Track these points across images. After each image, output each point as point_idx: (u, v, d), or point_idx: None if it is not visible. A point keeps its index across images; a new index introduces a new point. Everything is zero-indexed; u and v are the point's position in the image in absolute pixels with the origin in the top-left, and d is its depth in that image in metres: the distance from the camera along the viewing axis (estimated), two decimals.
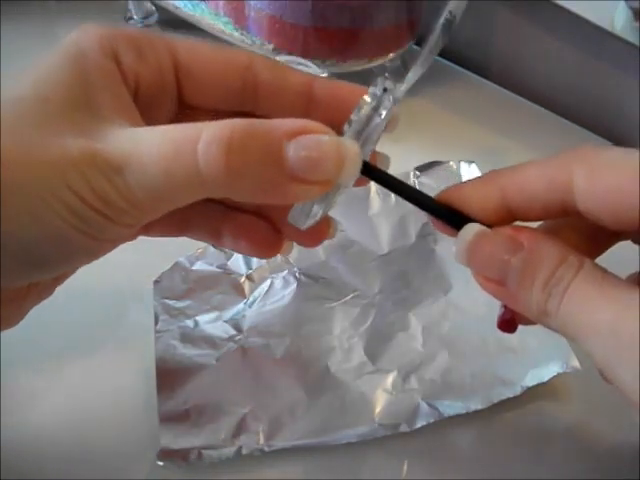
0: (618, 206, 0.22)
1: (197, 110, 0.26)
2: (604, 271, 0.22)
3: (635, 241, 0.25)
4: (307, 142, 0.20)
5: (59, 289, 0.27)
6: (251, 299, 0.36)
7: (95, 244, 0.22)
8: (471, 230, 0.23)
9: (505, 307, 0.26)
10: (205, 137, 0.20)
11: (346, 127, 0.23)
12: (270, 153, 0.20)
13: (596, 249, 0.26)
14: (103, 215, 0.21)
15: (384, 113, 0.23)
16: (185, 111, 0.26)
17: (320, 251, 0.38)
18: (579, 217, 0.24)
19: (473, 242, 0.23)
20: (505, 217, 0.24)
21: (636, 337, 0.20)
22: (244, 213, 0.28)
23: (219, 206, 0.28)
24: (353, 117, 0.23)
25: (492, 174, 0.25)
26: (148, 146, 0.21)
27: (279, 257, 0.37)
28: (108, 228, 0.21)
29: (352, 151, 0.21)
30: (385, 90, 0.23)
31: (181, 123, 0.21)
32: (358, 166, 0.22)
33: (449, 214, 0.25)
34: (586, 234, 0.26)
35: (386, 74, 0.25)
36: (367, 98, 0.23)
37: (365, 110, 0.23)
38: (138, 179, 0.20)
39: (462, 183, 0.26)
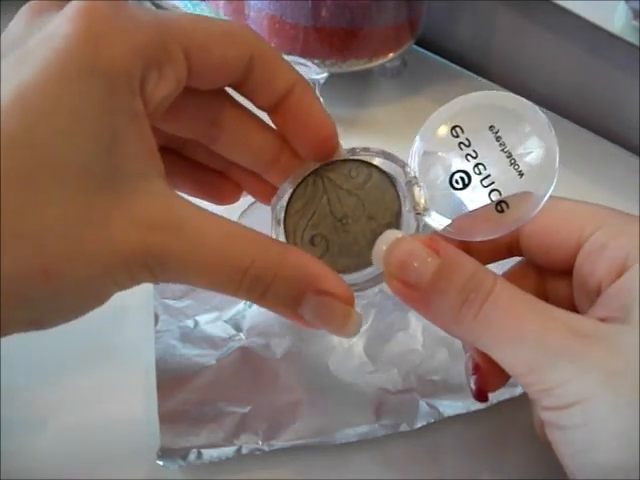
0: (549, 244, 0.26)
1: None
2: (516, 287, 0.23)
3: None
4: (322, 303, 0.23)
5: None
6: None
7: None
8: (391, 234, 0.24)
9: (476, 376, 0.27)
10: (251, 274, 0.22)
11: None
12: (291, 301, 0.23)
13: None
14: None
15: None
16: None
17: None
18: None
19: (393, 244, 0.24)
20: None
21: (562, 347, 0.22)
22: (201, 169, 0.28)
23: (176, 160, 0.28)
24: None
25: None
26: (198, 249, 0.21)
27: None
28: None
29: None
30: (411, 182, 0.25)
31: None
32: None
33: None
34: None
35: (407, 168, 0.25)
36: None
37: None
38: (177, 276, 0.22)
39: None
